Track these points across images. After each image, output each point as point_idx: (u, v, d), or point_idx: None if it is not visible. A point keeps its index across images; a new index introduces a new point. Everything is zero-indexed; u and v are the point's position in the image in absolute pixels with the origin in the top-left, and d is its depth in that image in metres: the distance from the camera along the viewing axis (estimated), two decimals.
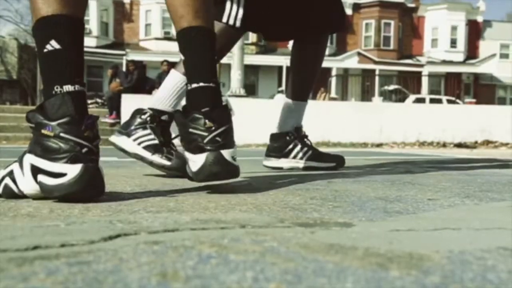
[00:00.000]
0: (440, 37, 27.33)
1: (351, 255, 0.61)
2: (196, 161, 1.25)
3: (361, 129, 9.43)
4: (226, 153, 1.26)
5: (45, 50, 1.09)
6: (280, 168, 2.19)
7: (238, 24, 1.98)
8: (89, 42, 24.54)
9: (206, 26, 1.35)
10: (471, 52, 28.00)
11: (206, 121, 1.26)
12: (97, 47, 24.57)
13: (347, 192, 1.33)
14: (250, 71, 22.14)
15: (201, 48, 1.34)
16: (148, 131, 1.84)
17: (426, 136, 9.87)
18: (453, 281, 0.50)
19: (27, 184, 1.10)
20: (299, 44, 2.25)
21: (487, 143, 9.76)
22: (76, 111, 1.08)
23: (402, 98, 18.47)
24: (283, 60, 22.63)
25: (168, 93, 1.86)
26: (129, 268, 0.54)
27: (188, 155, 1.30)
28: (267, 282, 0.49)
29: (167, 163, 1.74)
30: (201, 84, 1.30)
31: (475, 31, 28.35)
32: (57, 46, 1.09)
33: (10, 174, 1.13)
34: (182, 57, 1.36)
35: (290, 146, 2.24)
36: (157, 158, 1.74)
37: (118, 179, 1.67)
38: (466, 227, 0.83)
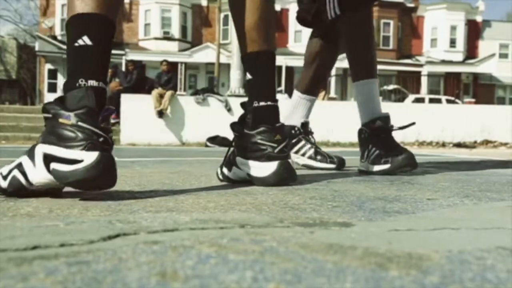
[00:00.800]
0: (439, 37, 27.33)
1: (350, 255, 0.61)
2: (265, 167, 1.45)
3: None
4: (291, 161, 1.48)
5: (76, 44, 1.14)
6: None
7: (338, 11, 2.03)
8: None
9: (272, 50, 1.57)
10: (471, 52, 28.00)
11: (276, 134, 1.47)
12: None
13: (346, 192, 1.33)
14: None
15: (270, 71, 1.57)
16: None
17: (425, 136, 9.88)
18: (453, 281, 0.51)
19: (38, 173, 1.11)
20: (319, 37, 2.23)
21: (486, 143, 9.77)
22: (96, 104, 1.11)
23: (401, 98, 18.48)
24: (282, 60, 22.64)
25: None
26: (128, 268, 0.54)
27: (250, 162, 1.47)
28: (266, 282, 0.49)
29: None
30: (269, 103, 1.52)
31: (474, 31, 28.36)
32: (88, 42, 1.14)
33: (19, 167, 1.14)
34: (250, 76, 1.55)
35: (294, 141, 2.23)
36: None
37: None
38: (465, 227, 0.83)
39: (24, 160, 1.15)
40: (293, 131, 2.24)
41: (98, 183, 1.11)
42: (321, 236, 0.73)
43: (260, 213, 0.96)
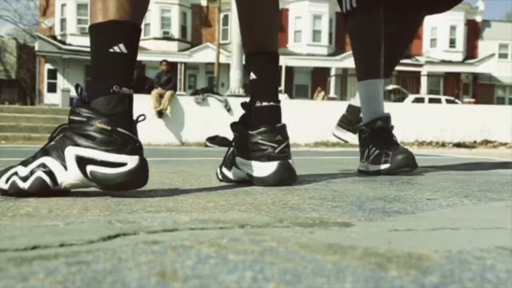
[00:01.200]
0: (439, 37, 27.33)
1: (350, 255, 0.61)
2: (265, 167, 1.45)
3: None
4: (291, 162, 1.48)
5: (111, 50, 1.16)
6: (345, 141, 2.20)
7: (354, 4, 2.05)
8: (89, 42, 24.50)
9: (276, 51, 1.58)
10: (470, 52, 28.02)
11: (277, 134, 1.46)
12: None
13: (346, 192, 1.33)
14: None
15: (273, 72, 1.57)
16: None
17: (425, 136, 9.89)
18: (452, 280, 0.51)
19: (70, 175, 1.14)
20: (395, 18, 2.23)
21: (486, 143, 9.78)
22: (130, 111, 1.18)
23: (401, 98, 18.48)
24: (282, 60, 22.53)
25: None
26: (128, 268, 0.54)
27: (250, 162, 1.47)
28: (266, 282, 0.49)
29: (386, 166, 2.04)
30: (271, 103, 1.53)
31: (474, 31, 28.37)
32: (124, 50, 1.17)
33: (43, 167, 1.15)
34: (254, 76, 1.55)
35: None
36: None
37: None
38: (465, 227, 0.83)
39: (49, 161, 1.15)
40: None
41: (136, 184, 1.18)
42: (320, 236, 0.73)
43: (259, 213, 0.96)
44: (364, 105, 2.11)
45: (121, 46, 1.16)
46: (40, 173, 1.14)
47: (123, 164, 1.13)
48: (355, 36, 2.13)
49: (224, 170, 1.60)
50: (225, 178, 1.60)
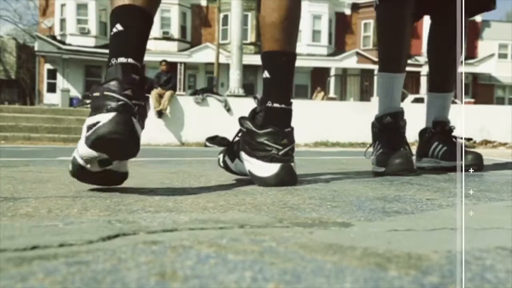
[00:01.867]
0: None
1: (350, 255, 0.61)
2: (267, 168, 1.45)
3: (360, 128, 9.43)
4: (293, 165, 1.48)
5: (111, 33, 1.28)
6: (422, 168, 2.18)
7: (377, 1, 2.10)
8: (88, 42, 24.58)
9: (294, 52, 1.56)
10: (470, 52, 28.00)
11: (284, 138, 1.46)
12: (95, 46, 24.53)
13: (346, 192, 1.33)
14: (249, 71, 22.17)
15: (289, 73, 1.56)
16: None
17: None
18: (452, 281, 0.51)
19: (82, 145, 1.22)
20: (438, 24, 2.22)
21: (485, 143, 9.78)
22: (123, 76, 1.21)
23: (400, 98, 18.47)
24: None
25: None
26: (127, 268, 0.54)
27: (253, 160, 1.47)
28: (265, 282, 0.49)
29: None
30: (283, 105, 1.50)
31: (473, 31, 28.36)
32: (120, 28, 1.27)
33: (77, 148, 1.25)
34: (268, 75, 1.52)
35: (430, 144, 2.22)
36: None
37: None
38: (465, 227, 0.83)
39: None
40: (426, 134, 2.25)
41: (114, 140, 1.16)
42: (320, 236, 0.73)
43: (259, 213, 0.96)
44: (379, 98, 2.14)
45: (118, 25, 1.26)
46: (74, 152, 1.26)
47: (98, 123, 1.17)
48: (379, 28, 2.17)
49: (227, 159, 1.61)
50: (226, 167, 1.61)
